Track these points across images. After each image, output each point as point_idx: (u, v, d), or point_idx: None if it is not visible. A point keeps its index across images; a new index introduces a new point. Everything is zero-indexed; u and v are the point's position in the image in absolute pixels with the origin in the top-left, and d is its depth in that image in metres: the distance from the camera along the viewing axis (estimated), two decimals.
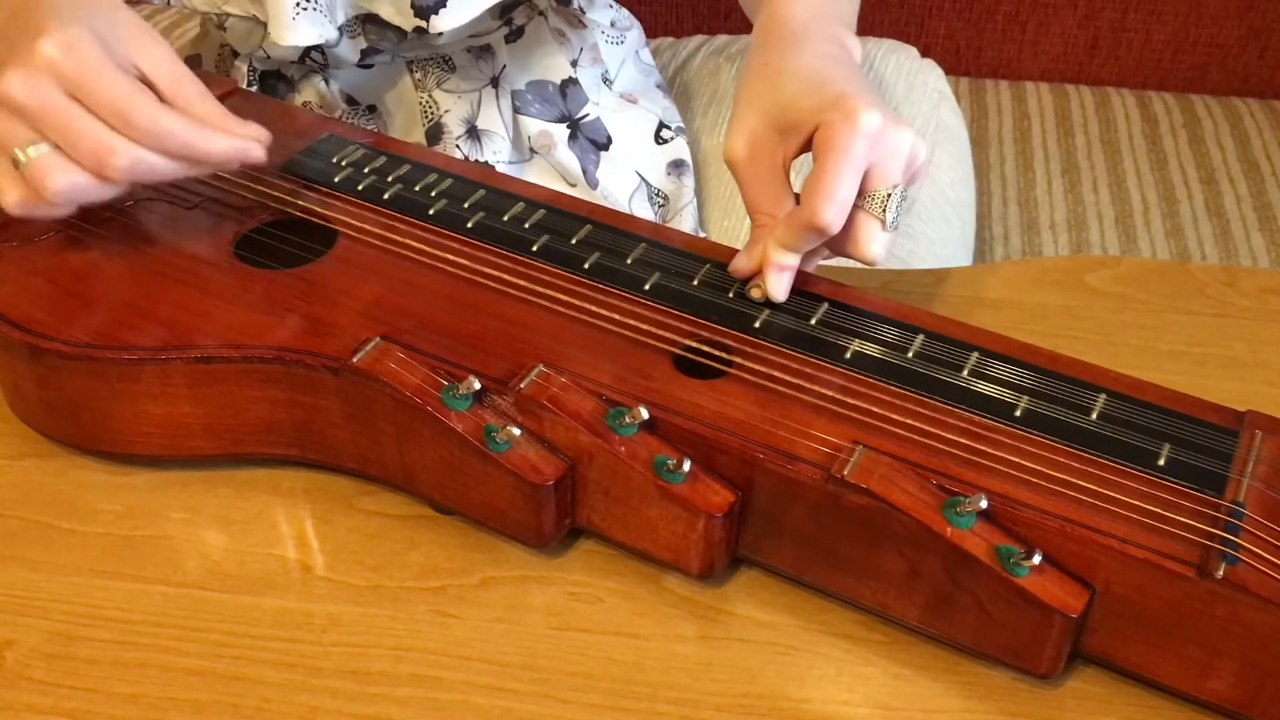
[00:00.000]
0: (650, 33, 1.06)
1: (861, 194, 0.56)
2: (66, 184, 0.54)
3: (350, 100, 0.84)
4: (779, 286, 0.56)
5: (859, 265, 0.59)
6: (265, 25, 0.76)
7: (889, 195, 0.56)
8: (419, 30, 0.77)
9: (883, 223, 0.56)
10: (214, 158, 0.58)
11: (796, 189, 0.58)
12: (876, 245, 0.56)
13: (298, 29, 0.75)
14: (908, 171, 0.57)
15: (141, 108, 0.54)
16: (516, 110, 0.87)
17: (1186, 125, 1.40)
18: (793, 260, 0.56)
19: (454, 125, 0.85)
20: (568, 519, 0.54)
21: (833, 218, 0.54)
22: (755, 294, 0.57)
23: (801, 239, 0.55)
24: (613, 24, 0.95)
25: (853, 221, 0.56)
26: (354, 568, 0.54)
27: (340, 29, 0.78)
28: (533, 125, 0.87)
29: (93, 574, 0.54)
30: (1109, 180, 1.32)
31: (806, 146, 0.58)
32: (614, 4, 0.96)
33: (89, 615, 0.52)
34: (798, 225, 0.55)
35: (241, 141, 0.58)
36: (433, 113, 0.85)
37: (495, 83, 0.86)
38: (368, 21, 0.79)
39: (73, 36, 0.54)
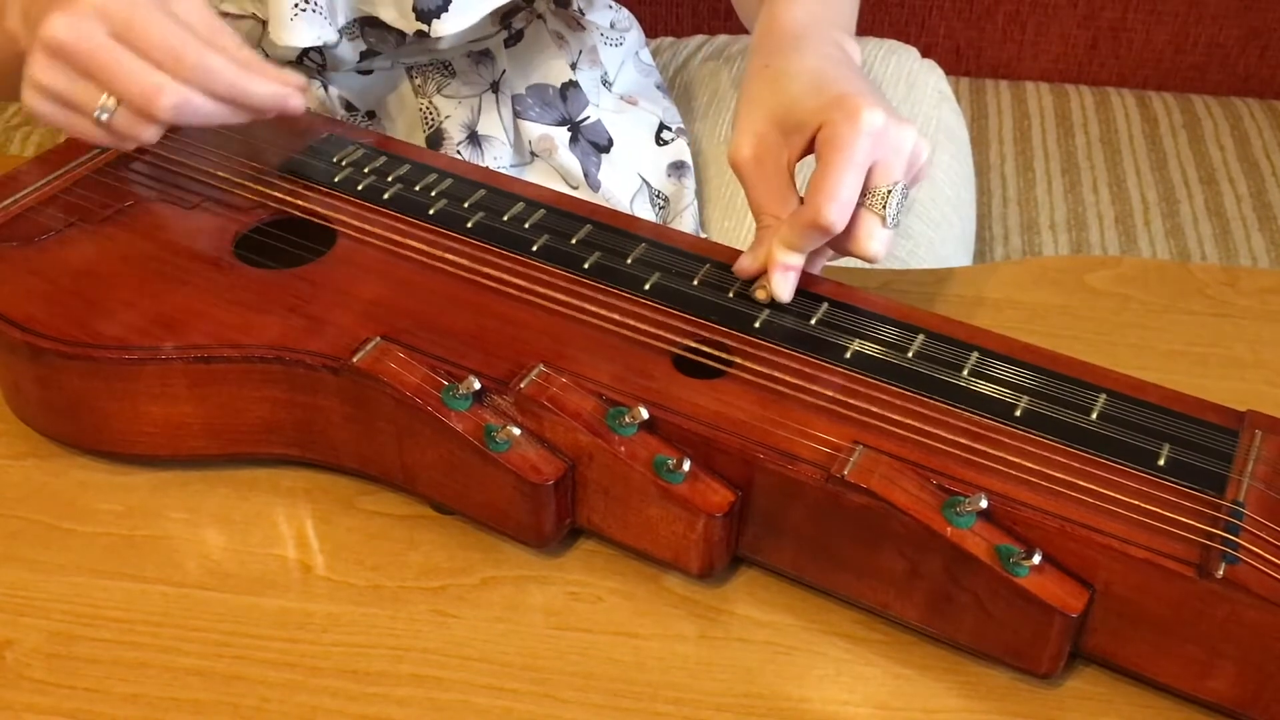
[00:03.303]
0: (650, 33, 1.06)
1: (864, 192, 0.56)
2: (151, 134, 0.57)
3: (349, 106, 0.84)
4: (784, 287, 0.56)
5: (860, 265, 0.59)
6: (265, 24, 0.76)
7: (889, 192, 0.56)
8: (420, 34, 0.77)
9: (883, 220, 0.56)
10: (256, 100, 0.59)
11: (801, 191, 0.58)
12: (877, 242, 0.57)
13: (296, 29, 0.75)
14: (910, 169, 0.57)
15: (190, 45, 0.56)
16: (517, 115, 0.87)
17: (1186, 125, 1.40)
18: (797, 260, 0.57)
19: (454, 131, 0.85)
20: (568, 519, 0.54)
21: (836, 216, 0.54)
22: (760, 295, 0.57)
23: (806, 238, 0.56)
24: (612, 25, 0.95)
25: (854, 219, 0.56)
26: (354, 568, 0.54)
27: (340, 31, 0.78)
28: (533, 129, 0.87)
29: (93, 574, 0.54)
30: (1109, 180, 1.32)
31: (810, 148, 0.58)
32: (613, 4, 0.96)
33: (89, 615, 0.52)
34: (802, 224, 0.55)
35: (282, 87, 0.59)
36: (433, 119, 0.85)
37: (495, 87, 0.86)
38: (368, 24, 0.79)
39: None
